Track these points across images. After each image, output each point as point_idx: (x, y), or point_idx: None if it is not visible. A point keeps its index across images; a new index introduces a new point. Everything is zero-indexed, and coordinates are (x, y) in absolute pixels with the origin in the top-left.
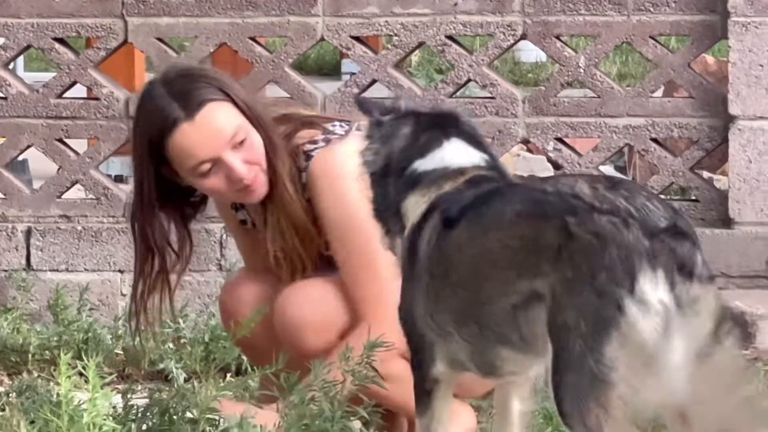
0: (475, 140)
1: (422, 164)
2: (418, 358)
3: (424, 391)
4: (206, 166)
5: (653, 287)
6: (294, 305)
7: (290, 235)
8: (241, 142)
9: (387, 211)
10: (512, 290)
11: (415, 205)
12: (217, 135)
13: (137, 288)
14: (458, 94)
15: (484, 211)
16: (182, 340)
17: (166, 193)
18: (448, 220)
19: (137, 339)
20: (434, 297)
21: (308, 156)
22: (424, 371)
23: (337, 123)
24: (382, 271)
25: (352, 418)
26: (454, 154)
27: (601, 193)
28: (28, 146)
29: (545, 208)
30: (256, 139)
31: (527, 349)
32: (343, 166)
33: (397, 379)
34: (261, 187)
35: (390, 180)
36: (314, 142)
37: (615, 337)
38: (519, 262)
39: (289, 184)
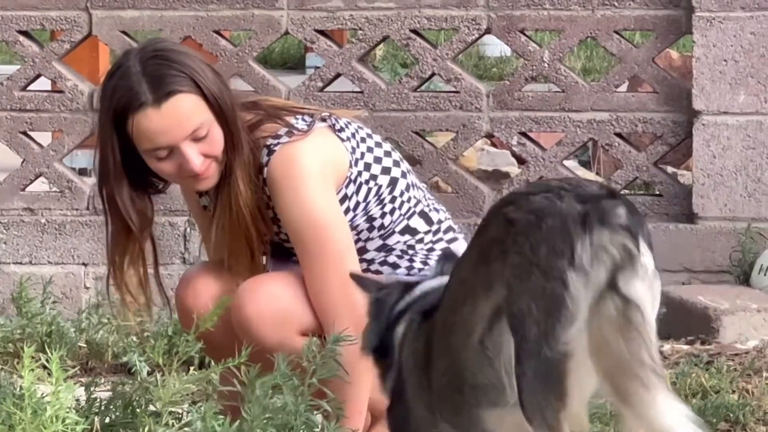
0: None
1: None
2: None
3: None
4: (163, 152)
5: (587, 250)
6: (251, 301)
7: (235, 224)
8: (202, 137)
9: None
10: (475, 320)
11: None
12: (180, 126)
13: (114, 258)
14: (422, 88)
15: (451, 287)
16: (146, 334)
17: (130, 160)
18: (425, 312)
19: (121, 314)
20: (426, 387)
21: (270, 151)
22: None
23: (299, 117)
24: (341, 276)
25: (315, 411)
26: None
27: (536, 184)
28: None
29: (487, 227)
30: (217, 134)
31: (506, 395)
32: (304, 163)
33: (357, 373)
34: (211, 177)
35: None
36: (277, 136)
37: (566, 317)
38: (474, 286)
39: (241, 177)
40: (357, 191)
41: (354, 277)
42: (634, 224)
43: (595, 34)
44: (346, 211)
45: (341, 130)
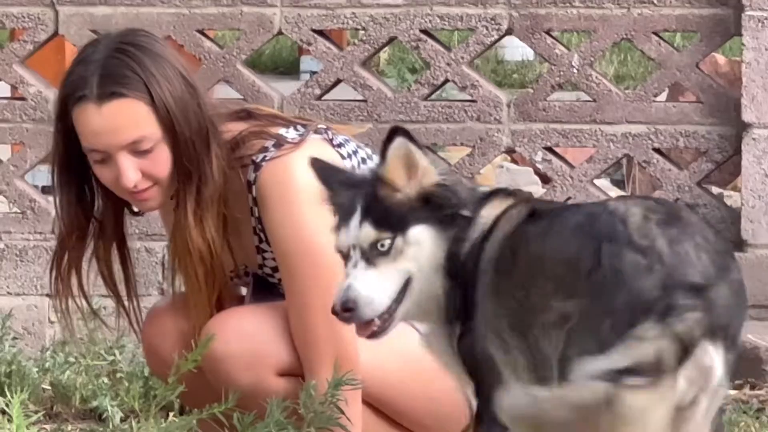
0: None
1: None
2: (487, 391)
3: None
4: (98, 155)
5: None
6: (220, 341)
7: (185, 260)
8: (144, 151)
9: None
10: (548, 305)
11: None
12: (117, 133)
13: (55, 261)
14: (434, 96)
15: (559, 214)
16: (118, 375)
17: (76, 158)
18: (535, 211)
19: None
20: (496, 292)
21: (257, 166)
22: (494, 404)
23: (291, 127)
24: (329, 307)
25: None
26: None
27: (648, 226)
28: None
29: (594, 225)
30: (163, 155)
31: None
32: (296, 177)
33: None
34: (151, 201)
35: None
36: (264, 149)
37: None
38: (559, 276)
39: (191, 211)
40: None
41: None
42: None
43: (630, 35)
44: None
45: (340, 145)
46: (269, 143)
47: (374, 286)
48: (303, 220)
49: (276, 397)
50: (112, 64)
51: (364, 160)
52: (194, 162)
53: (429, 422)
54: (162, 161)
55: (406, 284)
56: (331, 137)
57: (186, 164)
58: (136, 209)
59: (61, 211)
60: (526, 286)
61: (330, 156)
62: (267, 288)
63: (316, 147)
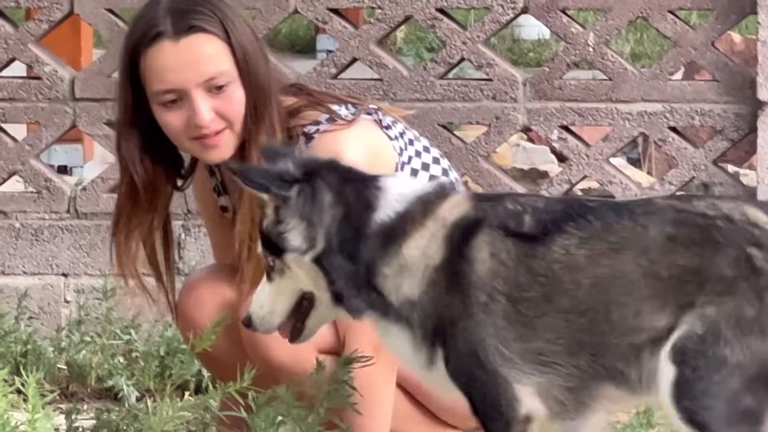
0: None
1: (381, 214)
2: (496, 404)
3: None
4: (170, 96)
5: None
6: None
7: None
8: (219, 88)
9: (357, 284)
10: (647, 324)
11: (422, 245)
12: (195, 67)
13: (116, 228)
14: (450, 75)
15: (599, 226)
16: (134, 354)
17: (145, 117)
18: (527, 235)
19: (121, 286)
20: (524, 323)
21: (309, 138)
22: (509, 415)
23: (343, 105)
24: None
25: None
26: (402, 186)
27: None
28: None
29: (713, 234)
30: (237, 94)
31: (638, 389)
32: (347, 154)
33: (373, 400)
34: (223, 148)
35: (341, 254)
36: (316, 122)
37: None
38: (668, 291)
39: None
40: None
41: (241, 173)
42: None
43: (646, 14)
44: None
45: (388, 127)
46: (322, 117)
47: (267, 302)
48: None
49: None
50: (183, 5)
51: (411, 142)
52: (266, 109)
53: (459, 409)
54: (236, 101)
55: (304, 300)
56: (379, 118)
57: (259, 109)
58: (180, 184)
59: (136, 163)
60: (596, 309)
61: (378, 137)
62: None
63: (367, 127)
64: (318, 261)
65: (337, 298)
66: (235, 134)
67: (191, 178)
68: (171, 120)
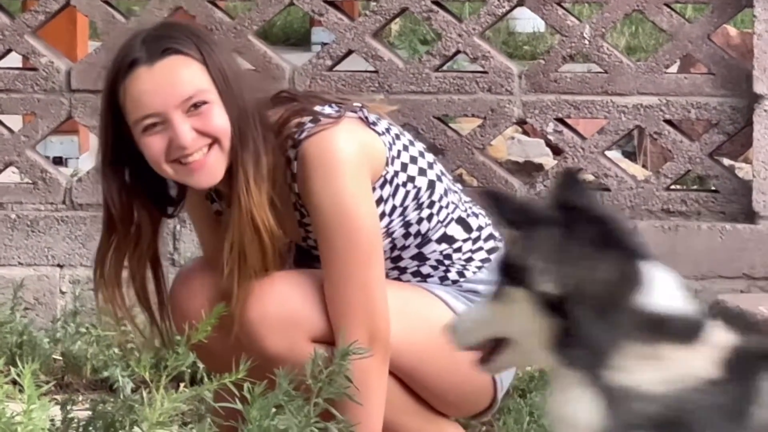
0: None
1: (649, 302)
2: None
3: None
4: (150, 120)
5: None
6: (255, 303)
7: (249, 237)
8: (196, 106)
9: (586, 350)
10: None
11: (653, 361)
12: (171, 89)
13: (98, 256)
14: (445, 67)
15: None
16: (129, 345)
17: (129, 156)
18: None
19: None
20: None
21: (296, 142)
22: None
23: (326, 105)
24: (364, 276)
25: None
26: (665, 292)
27: None
28: None
29: None
30: (216, 111)
31: None
32: (338, 148)
33: (369, 391)
34: (209, 171)
35: (585, 311)
36: (300, 124)
37: None
38: None
39: (253, 179)
40: (394, 194)
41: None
42: None
43: (642, 6)
44: (382, 216)
45: (374, 123)
46: (306, 119)
47: (475, 322)
48: (343, 191)
49: (307, 363)
50: (156, 33)
51: (398, 136)
52: (249, 130)
53: (452, 398)
54: (216, 116)
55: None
56: (365, 115)
57: (243, 130)
58: (171, 212)
59: (111, 200)
60: None
61: (365, 134)
62: (308, 259)
63: (352, 125)
64: (551, 305)
65: (560, 343)
66: (224, 153)
67: (181, 205)
68: (153, 145)
